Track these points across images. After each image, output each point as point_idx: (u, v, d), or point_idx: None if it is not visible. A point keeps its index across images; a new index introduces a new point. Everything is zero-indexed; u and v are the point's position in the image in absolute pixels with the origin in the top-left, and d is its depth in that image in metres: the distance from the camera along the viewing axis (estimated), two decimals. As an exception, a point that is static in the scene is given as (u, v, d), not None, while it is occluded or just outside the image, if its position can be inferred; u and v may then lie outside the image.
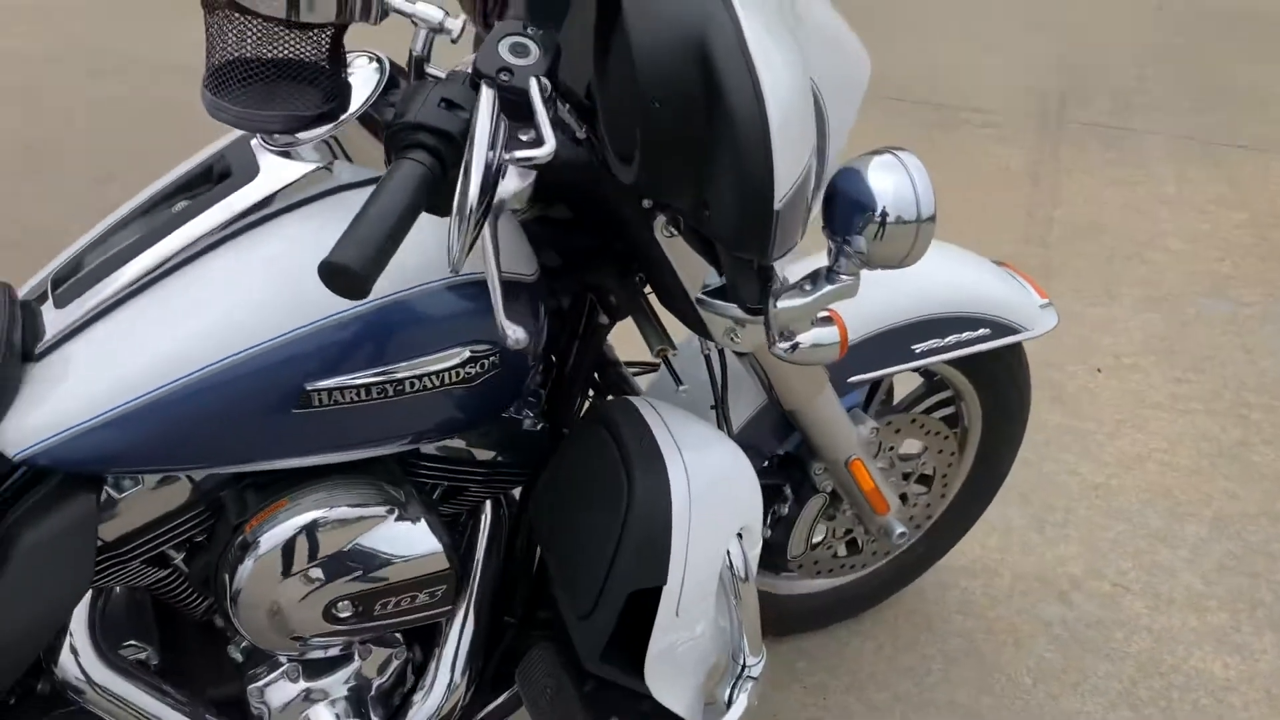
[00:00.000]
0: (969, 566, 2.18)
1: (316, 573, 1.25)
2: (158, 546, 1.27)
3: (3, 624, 1.18)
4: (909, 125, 3.68)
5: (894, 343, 1.63)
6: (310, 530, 1.24)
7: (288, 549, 1.24)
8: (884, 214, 1.20)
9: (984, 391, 1.83)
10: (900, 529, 1.78)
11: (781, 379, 1.49)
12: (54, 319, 1.19)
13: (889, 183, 1.20)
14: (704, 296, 1.27)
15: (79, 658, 1.29)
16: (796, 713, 1.91)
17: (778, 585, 1.91)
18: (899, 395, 1.86)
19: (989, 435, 1.89)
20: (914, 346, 1.65)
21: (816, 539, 1.85)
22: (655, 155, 0.98)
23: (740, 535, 1.29)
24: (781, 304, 1.24)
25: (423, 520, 1.29)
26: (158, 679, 1.35)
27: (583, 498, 1.29)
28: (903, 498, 1.84)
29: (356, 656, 1.43)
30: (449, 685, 1.46)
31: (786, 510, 1.73)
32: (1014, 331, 1.71)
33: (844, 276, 1.25)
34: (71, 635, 1.29)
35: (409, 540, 1.28)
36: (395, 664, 1.47)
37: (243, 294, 1.13)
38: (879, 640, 2.04)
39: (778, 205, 0.96)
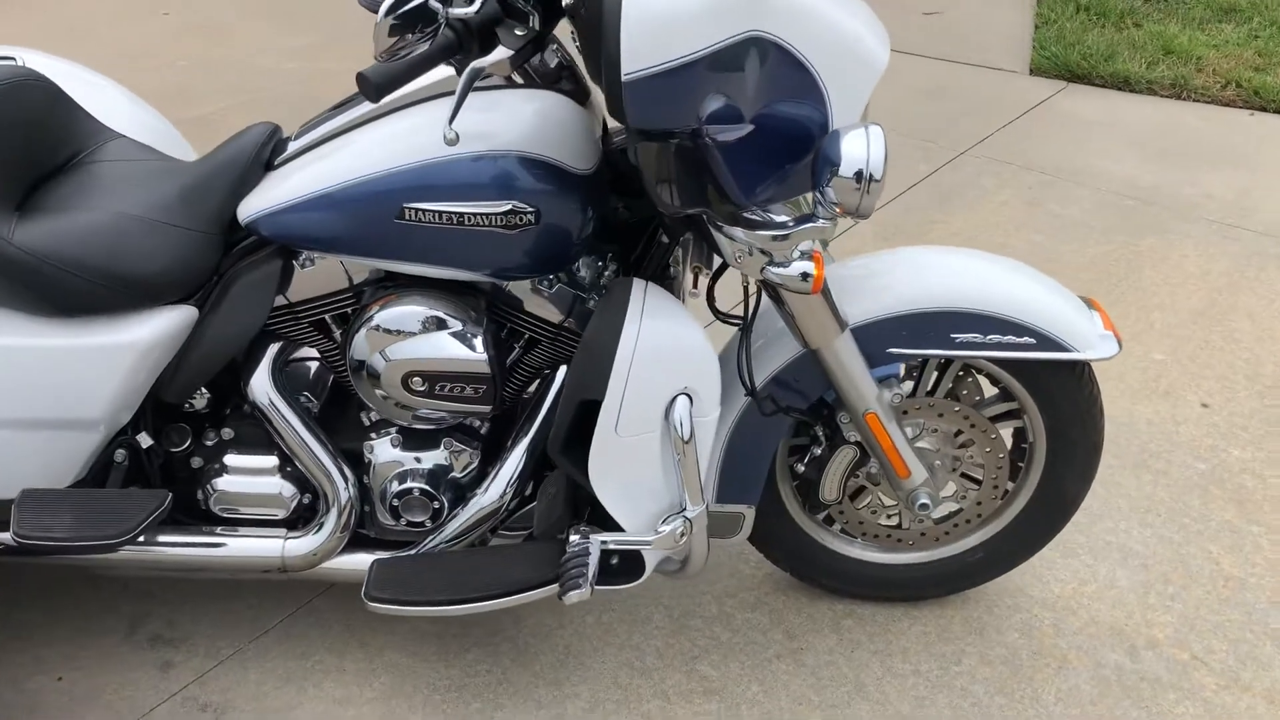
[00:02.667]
0: (1049, 599, 2.30)
1: (402, 347, 1.81)
2: (320, 313, 1.88)
3: (215, 330, 1.85)
4: (1235, 251, 3.66)
5: (934, 326, 1.90)
6: (405, 316, 1.80)
7: (388, 325, 1.81)
8: (843, 170, 1.56)
9: (1043, 408, 2.02)
10: (923, 500, 2.01)
11: (798, 316, 1.82)
12: (290, 147, 1.84)
13: (853, 147, 1.57)
14: (717, 220, 1.68)
15: (266, 385, 1.92)
16: (820, 655, 2.17)
17: (835, 544, 2.19)
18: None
19: (1052, 456, 2.07)
20: (954, 335, 1.91)
21: (863, 501, 2.13)
22: (586, 51, 1.45)
23: (690, 400, 1.68)
24: (768, 232, 1.64)
25: (480, 336, 1.80)
26: (312, 420, 1.95)
27: (580, 345, 1.74)
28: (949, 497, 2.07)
29: (444, 448, 1.96)
30: (501, 493, 1.94)
31: (820, 452, 2.03)
32: (1061, 349, 1.91)
33: (820, 220, 1.62)
34: (263, 372, 1.92)
35: (466, 345, 1.80)
36: (470, 466, 1.98)
37: (386, 141, 1.72)
38: (927, 626, 2.23)
39: (624, 77, 1.38)
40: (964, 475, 2.11)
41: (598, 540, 1.70)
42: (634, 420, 1.66)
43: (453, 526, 1.96)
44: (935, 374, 2.05)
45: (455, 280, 1.82)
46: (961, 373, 2.05)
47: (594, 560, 1.67)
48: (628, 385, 1.64)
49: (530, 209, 1.69)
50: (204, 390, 1.99)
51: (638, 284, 1.72)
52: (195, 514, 2.02)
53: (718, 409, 1.73)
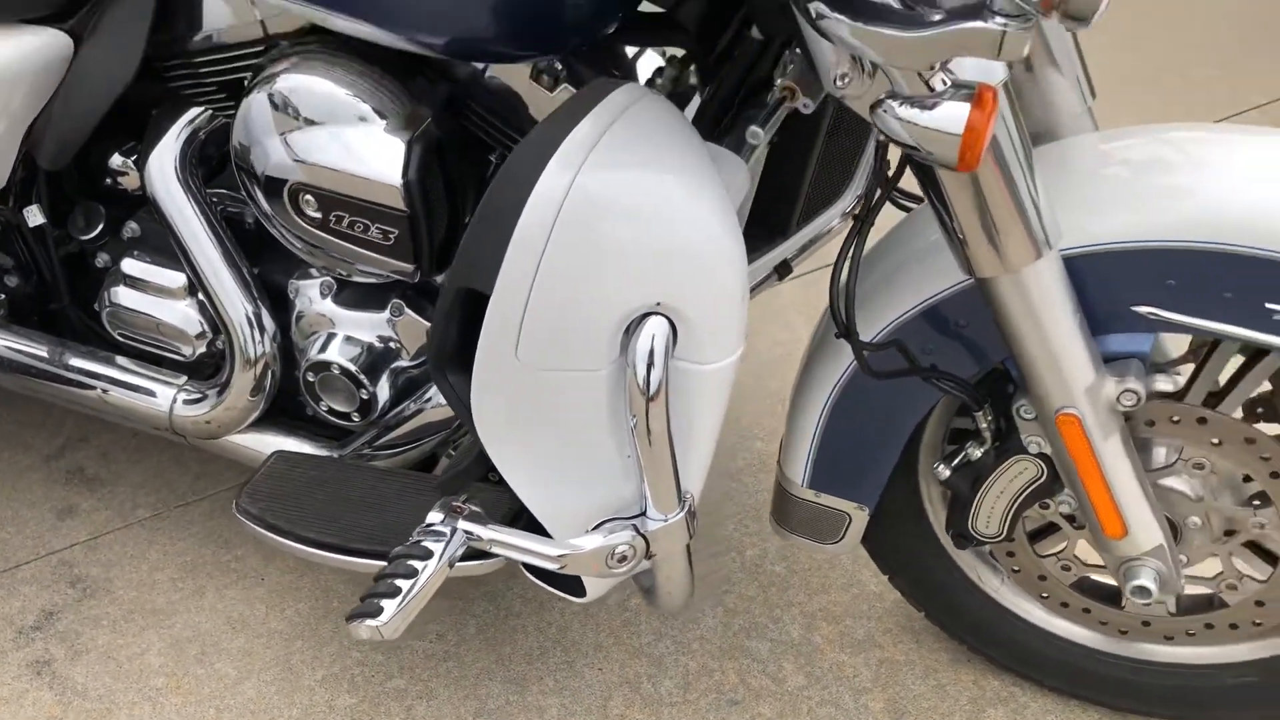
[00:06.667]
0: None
1: (293, 141, 1.15)
2: (229, 71, 1.25)
3: (89, 68, 1.26)
4: None
5: (1232, 279, 1.00)
6: (305, 91, 1.13)
7: (284, 99, 1.15)
8: None
9: None
10: (1144, 581, 1.14)
11: (955, 211, 0.97)
12: None
13: None
14: (821, 6, 0.86)
15: (167, 167, 1.31)
16: None
17: (1002, 591, 1.34)
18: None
19: None
20: (1271, 306, 1.00)
21: (1051, 547, 1.27)
22: None
23: (671, 326, 0.89)
24: (890, 30, 0.81)
25: (401, 143, 1.10)
26: (226, 229, 1.33)
27: None
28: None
29: (389, 313, 1.29)
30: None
31: (979, 456, 1.18)
32: None
33: (993, 18, 0.78)
34: (166, 147, 1.31)
35: (374, 155, 1.11)
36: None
37: None
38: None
39: None
40: (1250, 546, 1.20)
41: (464, 530, 0.99)
42: (550, 342, 0.90)
43: (387, 431, 1.31)
44: (1238, 365, 1.12)
45: (412, 53, 1.09)
46: (1292, 371, 1.13)
47: (436, 564, 0.96)
48: (537, 279, 0.88)
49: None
50: (130, 163, 1.42)
51: (622, 93, 0.93)
52: (99, 334, 1.48)
53: (735, 352, 0.94)
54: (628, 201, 0.88)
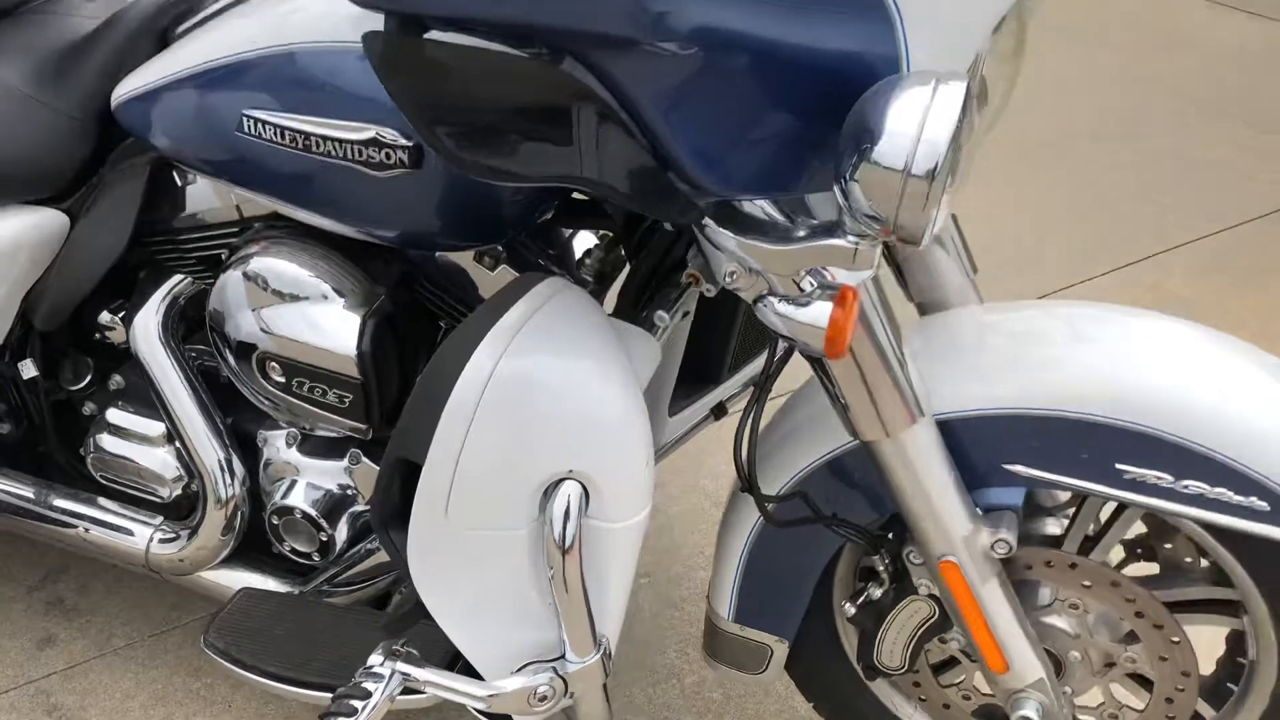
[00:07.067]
0: None
1: (262, 316, 1.29)
2: (208, 248, 1.39)
3: (83, 244, 1.41)
4: None
5: (1091, 444, 1.13)
6: (272, 271, 1.28)
7: (255, 279, 1.29)
8: (880, 151, 0.87)
9: (1277, 613, 1.19)
10: (1028, 713, 1.25)
11: (836, 384, 1.11)
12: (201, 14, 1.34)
13: (905, 110, 0.86)
14: (709, 222, 1.01)
15: (151, 328, 1.45)
16: None
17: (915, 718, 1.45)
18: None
19: (1284, 692, 1.23)
20: (1120, 467, 1.13)
21: (953, 678, 1.38)
22: None
23: (584, 491, 1.02)
24: (761, 243, 0.97)
25: (356, 319, 1.25)
26: (202, 383, 1.46)
27: None
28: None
29: (347, 462, 1.41)
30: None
31: (879, 595, 1.29)
32: (1314, 531, 1.08)
33: (844, 236, 0.94)
34: (150, 310, 1.45)
35: (331, 328, 1.25)
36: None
37: (239, 27, 1.19)
38: None
39: None
40: (1133, 676, 1.31)
41: (401, 672, 1.10)
42: (476, 505, 1.03)
43: (345, 570, 1.42)
44: (1110, 515, 1.25)
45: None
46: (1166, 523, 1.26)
47: (374, 703, 1.08)
48: (464, 449, 1.01)
49: (405, 141, 1.09)
50: (118, 319, 1.55)
51: (545, 286, 1.08)
52: (83, 475, 1.60)
53: (641, 512, 1.06)
54: (545, 382, 1.01)
